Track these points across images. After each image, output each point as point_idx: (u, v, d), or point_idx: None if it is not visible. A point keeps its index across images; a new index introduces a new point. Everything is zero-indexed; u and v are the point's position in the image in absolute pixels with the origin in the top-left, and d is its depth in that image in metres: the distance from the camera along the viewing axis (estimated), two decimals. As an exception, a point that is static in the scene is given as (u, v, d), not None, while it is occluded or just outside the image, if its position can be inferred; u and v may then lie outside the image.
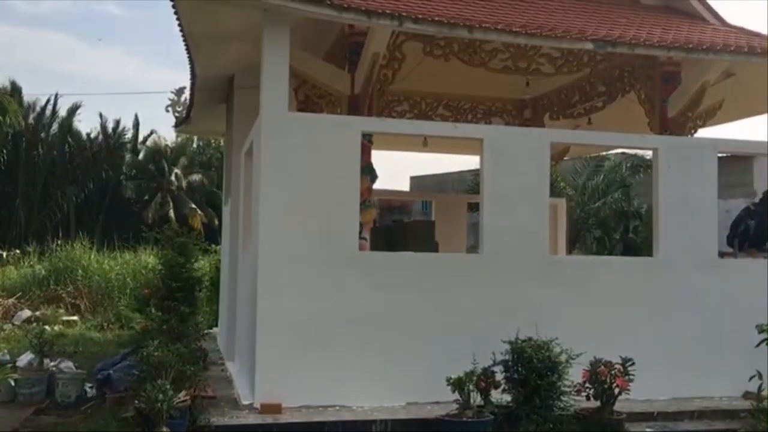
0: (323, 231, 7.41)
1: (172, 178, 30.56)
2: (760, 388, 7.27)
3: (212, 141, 29.66)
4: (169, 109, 12.54)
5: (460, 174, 21.59)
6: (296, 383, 7.10)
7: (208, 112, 11.69)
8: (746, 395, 7.71)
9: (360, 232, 8.18)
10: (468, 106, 12.57)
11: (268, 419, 6.57)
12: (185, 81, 11.92)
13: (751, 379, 7.20)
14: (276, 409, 6.79)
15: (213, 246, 17.05)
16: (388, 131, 8.09)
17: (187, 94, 11.71)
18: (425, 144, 12.64)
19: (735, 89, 9.71)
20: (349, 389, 7.25)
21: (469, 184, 18.94)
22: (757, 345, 7.17)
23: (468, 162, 17.37)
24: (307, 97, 10.03)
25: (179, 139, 31.65)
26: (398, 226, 12.35)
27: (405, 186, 23.26)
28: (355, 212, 7.55)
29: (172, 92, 12.37)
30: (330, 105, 9.06)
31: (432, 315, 7.62)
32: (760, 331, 7.23)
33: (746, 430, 6.95)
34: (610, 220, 18.41)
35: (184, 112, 12.18)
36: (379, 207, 15.93)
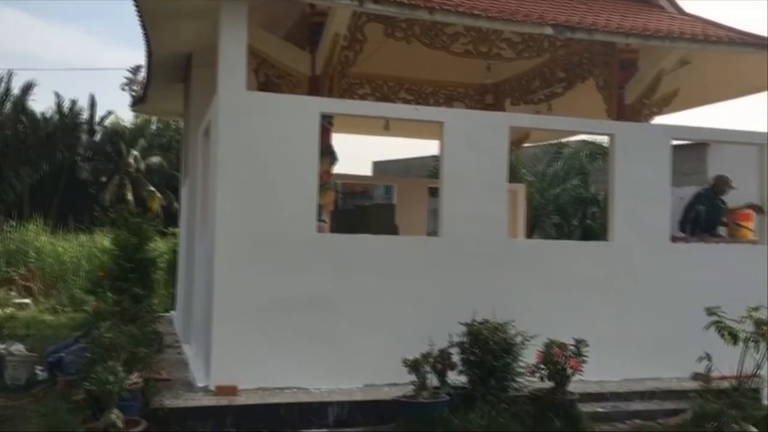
0: (281, 213, 7.34)
1: (130, 159, 29.98)
2: (708, 369, 7.47)
3: (172, 123, 29.13)
4: (125, 87, 12.32)
5: (423, 159, 21.62)
6: (252, 365, 7.06)
7: (165, 91, 11.46)
8: (695, 376, 7.91)
9: (319, 215, 8.13)
10: (430, 90, 12.57)
11: (223, 401, 6.51)
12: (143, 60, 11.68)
13: (700, 360, 7.39)
14: (231, 391, 6.74)
15: (172, 229, 16.81)
16: (348, 112, 8.04)
17: (143, 73, 11.47)
18: (387, 128, 12.63)
19: (690, 77, 9.88)
20: (307, 371, 7.23)
21: (431, 169, 18.98)
22: (706, 327, 7.36)
23: (431, 148, 17.40)
24: (268, 78, 9.89)
25: (138, 120, 31.04)
26: (358, 209, 12.29)
27: (368, 171, 23.22)
28: (313, 194, 7.50)
29: (128, 70, 12.16)
30: (290, 86, 8.95)
31: (390, 297, 7.62)
32: (709, 314, 7.42)
33: (694, 410, 7.14)
34: (568, 206, 18.64)
35: (141, 91, 11.94)
36: (342, 192, 15.87)
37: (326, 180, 8.68)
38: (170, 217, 23.14)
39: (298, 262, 7.36)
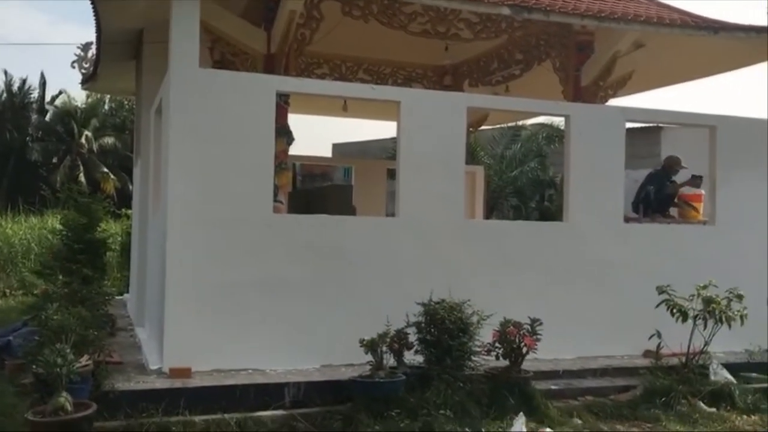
0: (236, 193, 7.22)
1: (83, 140, 29.27)
2: (658, 347, 7.66)
3: (125, 102, 28.51)
4: (76, 65, 11.96)
5: (382, 142, 21.56)
6: (207, 347, 6.96)
7: (116, 68, 11.16)
8: (646, 353, 8.09)
9: (276, 195, 8.04)
10: (388, 71, 12.52)
11: (177, 383, 6.41)
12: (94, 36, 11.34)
13: (650, 338, 7.57)
14: (185, 373, 6.64)
15: (125, 211, 16.48)
16: (304, 91, 7.92)
17: (94, 50, 11.15)
18: (345, 109, 12.53)
19: (645, 60, 10.01)
20: (263, 353, 7.16)
21: (390, 151, 18.94)
22: (657, 305, 7.53)
23: (391, 130, 17.35)
24: (223, 56, 9.70)
25: (90, 100, 30.27)
26: (315, 190, 12.19)
27: (328, 154, 23.05)
28: (269, 174, 7.39)
29: (78, 47, 11.80)
30: (245, 64, 8.80)
31: (348, 278, 7.58)
32: (660, 293, 7.59)
33: (645, 386, 7.31)
34: (526, 188, 18.83)
35: (91, 68, 11.61)
36: (301, 174, 15.73)
37: (282, 160, 8.60)
38: (125, 200, 22.67)
39: (254, 243, 7.26)
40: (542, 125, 18.73)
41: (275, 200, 7.94)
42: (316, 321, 7.39)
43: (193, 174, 7.08)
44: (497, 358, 6.87)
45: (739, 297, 7.57)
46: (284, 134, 8.58)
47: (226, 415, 5.94)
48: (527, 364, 6.99)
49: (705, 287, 7.57)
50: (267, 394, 6.48)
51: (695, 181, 9.76)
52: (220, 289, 7.09)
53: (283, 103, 8.43)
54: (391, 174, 14.51)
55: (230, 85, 7.31)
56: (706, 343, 7.59)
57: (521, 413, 5.39)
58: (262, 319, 7.22)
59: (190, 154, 7.07)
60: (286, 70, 8.61)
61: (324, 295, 7.47)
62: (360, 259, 7.65)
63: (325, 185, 11.77)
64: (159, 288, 7.43)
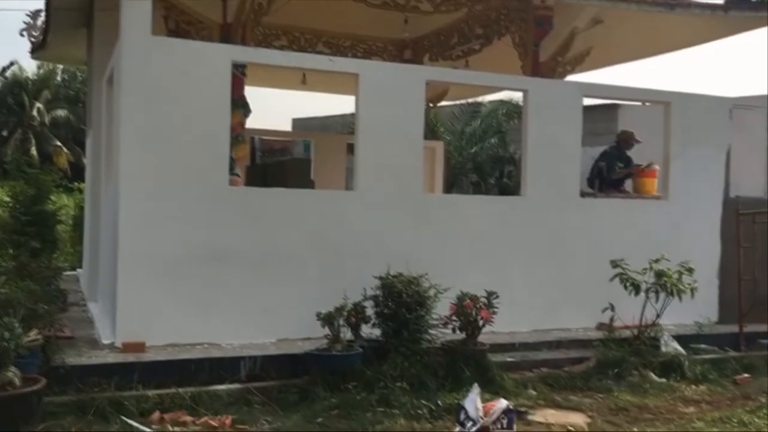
0: (190, 164, 7.06)
1: (34, 113, 28.43)
2: (612, 319, 7.81)
3: (79, 74, 27.72)
4: (24, 33, 11.55)
5: (343, 117, 21.38)
6: (162, 322, 6.84)
7: (67, 36, 10.80)
8: (600, 326, 8.24)
9: (232, 168, 7.91)
10: (348, 44, 12.39)
11: (130, 358, 6.30)
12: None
13: (604, 311, 7.72)
14: (139, 347, 6.53)
15: (78, 184, 16.09)
16: (261, 61, 7.75)
17: (43, 17, 10.77)
18: (304, 81, 12.40)
19: (603, 37, 10.07)
20: (219, 327, 7.08)
21: (351, 126, 18.79)
22: (611, 279, 7.67)
23: (352, 105, 17.24)
24: (178, 25, 9.50)
25: (42, 71, 29.36)
26: (274, 164, 12.06)
27: (289, 128, 22.80)
28: (225, 146, 7.25)
29: (27, 14, 11.38)
30: (201, 34, 8.63)
31: (305, 251, 7.52)
32: (614, 266, 7.72)
33: (598, 358, 7.46)
34: (486, 165, 18.87)
35: (41, 36, 11.22)
36: (261, 149, 15.55)
37: (239, 132, 8.45)
38: (79, 173, 22.12)
39: (209, 215, 7.14)
40: (502, 102, 18.74)
41: (232, 173, 7.80)
42: (273, 295, 7.32)
43: (146, 145, 6.91)
44: (454, 331, 6.91)
45: (690, 270, 7.75)
46: (241, 106, 8.43)
47: (181, 389, 5.87)
48: (484, 337, 7.05)
49: (657, 261, 7.72)
50: (222, 368, 6.42)
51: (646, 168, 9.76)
52: (174, 262, 6.97)
53: (240, 74, 8.26)
54: (351, 149, 14.42)
55: (184, 54, 7.12)
56: (658, 316, 7.76)
57: (476, 384, 5.43)
58: (218, 292, 7.13)
59: (143, 124, 6.89)
60: (243, 40, 8.45)
61: (281, 269, 7.40)
62: (318, 233, 7.58)
63: (283, 159, 11.65)
64: (111, 261, 7.28)
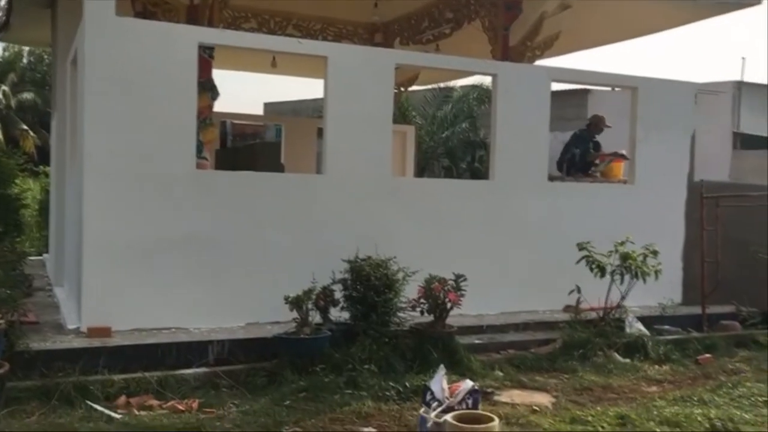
0: (156, 148, 6.99)
1: (0, 96, 27.84)
2: (578, 301, 7.91)
3: (45, 56, 27.16)
4: (-14, 13, 11.28)
5: (315, 102, 21.27)
6: (128, 306, 6.80)
7: (30, 17, 10.56)
8: (566, 308, 8.35)
9: (200, 151, 7.84)
10: (319, 27, 12.31)
11: (96, 343, 6.24)
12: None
13: (570, 293, 7.81)
14: (105, 332, 6.48)
15: (44, 168, 15.82)
16: (228, 43, 7.66)
17: (5, -3, 10.53)
18: (274, 65, 12.31)
19: (572, 22, 10.12)
20: (187, 311, 7.05)
21: (322, 111, 18.72)
22: (577, 261, 7.76)
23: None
24: (144, 7, 9.31)
25: (7, 54, 28.74)
26: (244, 148, 11.96)
27: (260, 113, 22.63)
28: (191, 129, 7.17)
29: (-11, -5, 11.12)
30: (167, 15, 8.48)
31: (274, 235, 7.50)
32: (580, 249, 7.82)
33: (564, 339, 7.56)
34: (457, 149, 18.95)
35: (4, 16, 10.96)
36: (232, 133, 15.40)
37: (207, 116, 8.37)
38: (45, 157, 21.74)
39: (176, 199, 7.08)
40: (473, 86, 18.81)
41: (200, 156, 7.74)
42: (241, 279, 7.31)
43: (111, 128, 6.82)
44: (422, 313, 6.94)
45: (654, 253, 7.87)
46: (208, 89, 8.34)
47: (147, 374, 5.84)
48: (453, 320, 7.09)
49: (622, 243, 7.83)
50: (190, 352, 6.40)
51: (621, 157, 9.88)
52: (141, 246, 6.91)
53: (207, 57, 8.17)
54: (322, 133, 14.39)
55: (149, 35, 7.01)
56: (623, 298, 7.88)
57: (442, 365, 5.47)
58: (185, 277, 7.09)
59: (107, 106, 6.80)
60: (210, 22, 8.35)
61: (250, 253, 7.38)
62: (286, 216, 7.57)
63: (253, 143, 11.54)
64: (77, 246, 7.20)
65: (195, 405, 5.46)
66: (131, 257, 6.87)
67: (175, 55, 7.02)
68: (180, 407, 5.41)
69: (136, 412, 5.31)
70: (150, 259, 6.94)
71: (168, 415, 5.28)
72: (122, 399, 5.53)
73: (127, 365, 6.01)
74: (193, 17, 8.30)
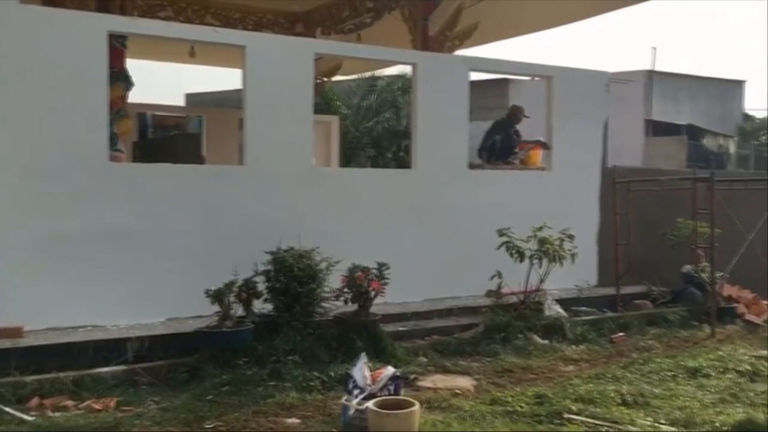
0: (67, 140, 6.75)
1: None
2: (499, 286, 8.10)
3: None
4: None
5: (238, 92, 20.91)
6: (41, 305, 6.55)
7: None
8: (488, 293, 8.52)
9: (115, 144, 7.62)
10: (238, 16, 12.14)
11: (6, 343, 5.98)
12: None
13: (492, 278, 7.98)
14: (16, 332, 6.23)
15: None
16: (139, 32, 7.43)
17: None
18: (192, 54, 12.07)
19: (490, 12, 10.31)
20: (104, 308, 6.85)
21: (244, 101, 18.43)
22: (498, 247, 7.93)
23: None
24: (53, -6, 8.98)
25: None
26: (162, 139, 11.69)
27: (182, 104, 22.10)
28: (103, 121, 6.95)
29: None
30: (75, 3, 8.19)
31: (194, 228, 7.37)
32: (500, 235, 7.99)
33: (485, 323, 7.73)
34: (383, 139, 19.05)
35: None
36: (153, 125, 15.00)
37: (121, 107, 8.15)
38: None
39: (89, 193, 6.86)
40: (398, 76, 18.94)
41: (114, 149, 7.53)
42: (161, 273, 7.15)
43: (18, 120, 6.54)
44: (346, 302, 6.96)
45: (571, 237, 8.12)
46: (122, 79, 8.12)
47: (62, 374, 5.65)
48: (377, 308, 7.14)
49: (540, 229, 8.04)
50: (107, 350, 6.23)
51: (541, 145, 10.12)
52: (53, 242, 6.67)
53: (120, 46, 7.95)
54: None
55: (55, 24, 6.75)
56: (542, 281, 8.11)
57: (363, 353, 5.52)
58: (102, 273, 6.89)
59: (13, 98, 6.51)
60: (122, 10, 8.12)
61: (169, 246, 7.23)
62: (207, 209, 7.45)
63: (172, 134, 11.29)
64: (-17, 244, 6.87)
65: (112, 404, 5.33)
66: (43, 253, 6.63)
67: (85, 44, 6.78)
68: (96, 407, 5.27)
69: (50, 414, 5.15)
70: (64, 255, 6.71)
71: (84, 415, 5.14)
72: (35, 400, 5.35)
73: (40, 366, 5.80)
74: (103, 5, 8.05)
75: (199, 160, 9.44)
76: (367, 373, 5.09)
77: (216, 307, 6.53)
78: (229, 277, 6.58)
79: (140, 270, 7.07)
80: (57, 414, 5.16)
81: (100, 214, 6.90)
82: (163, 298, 7.12)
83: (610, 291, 9.38)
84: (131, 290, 7.01)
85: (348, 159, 17.43)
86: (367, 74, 18.89)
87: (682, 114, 23.29)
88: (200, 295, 6.50)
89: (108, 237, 6.93)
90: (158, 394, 5.63)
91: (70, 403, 5.36)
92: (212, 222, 7.46)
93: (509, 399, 5.59)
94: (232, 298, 6.56)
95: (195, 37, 7.98)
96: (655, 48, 56.19)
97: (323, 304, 6.91)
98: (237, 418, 5.13)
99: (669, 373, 6.45)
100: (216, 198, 7.52)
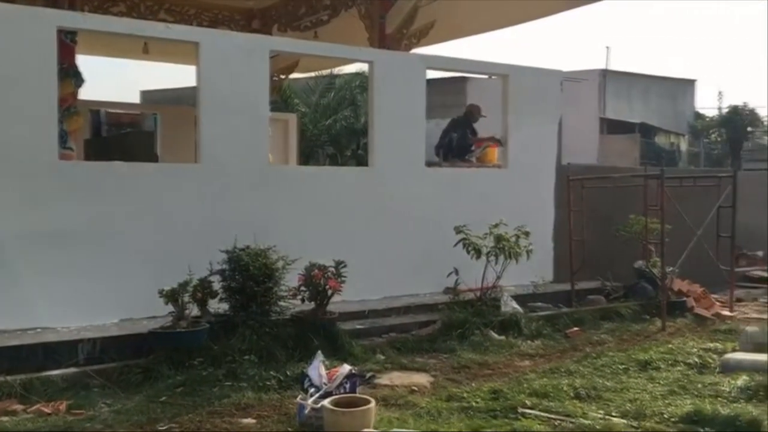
0: (14, 138, 6.57)
1: None
2: (456, 283, 8.15)
3: None
4: None
5: (195, 90, 20.71)
6: (-12, 308, 6.38)
7: None
8: (446, 290, 8.57)
9: (65, 142, 7.46)
10: (193, 12, 11.98)
11: (-49, 348, 5.84)
12: None
13: (449, 275, 8.03)
14: (-39, 336, 6.06)
15: None
16: (89, 28, 7.27)
17: None
18: (146, 51, 11.85)
19: (446, 11, 10.37)
20: (54, 310, 6.69)
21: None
22: (455, 244, 7.99)
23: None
24: (-1, -12, 8.73)
25: None
26: (115, 137, 11.44)
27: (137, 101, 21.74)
28: (52, 118, 6.78)
29: None
30: (25, -2, 7.99)
31: (148, 227, 7.25)
32: (457, 232, 8.05)
33: (443, 320, 7.78)
34: (341, 137, 19.04)
35: None
36: (107, 122, 14.69)
37: (71, 103, 7.99)
38: None
39: (37, 192, 6.69)
40: (356, 74, 18.93)
41: (64, 147, 7.38)
42: (114, 274, 7.02)
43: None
44: (303, 301, 6.94)
45: (526, 234, 8.22)
46: (72, 75, 7.96)
47: (9, 378, 5.51)
48: (335, 306, 7.12)
49: (496, 226, 8.12)
50: (58, 352, 6.09)
51: (497, 142, 10.22)
52: (0, 243, 6.48)
53: (70, 42, 7.78)
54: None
55: (2, 19, 6.56)
56: (498, 278, 8.20)
57: (319, 352, 5.51)
58: (51, 274, 6.73)
59: (-44, 95, 6.32)
60: (72, 5, 7.94)
61: (122, 246, 7.10)
62: (160, 207, 7.33)
63: (125, 132, 11.07)
64: (-73, 246, 6.65)
65: (63, 407, 5.21)
66: (-11, 255, 6.44)
67: (33, 39, 6.61)
68: (46, 410, 5.14)
69: (-2, 419, 5.01)
70: (10, 256, 6.54)
71: (33, 419, 5.02)
72: (-19, 406, 5.20)
73: (-13, 370, 5.64)
74: (52, 1, 7.85)
75: (152, 158, 9.28)
76: (323, 372, 5.08)
77: (170, 308, 6.44)
78: (184, 277, 6.49)
79: (92, 270, 6.93)
80: (5, 419, 5.02)
81: (49, 214, 6.74)
82: (116, 298, 6.99)
83: (565, 287, 9.52)
84: (83, 291, 6.86)
85: (307, 157, 17.36)
86: (326, 72, 18.84)
87: (635, 112, 23.80)
88: (154, 296, 6.41)
89: (58, 237, 6.77)
90: (111, 397, 5.53)
91: (19, 407, 5.22)
92: (166, 221, 7.35)
93: (465, 395, 5.63)
94: (187, 298, 6.47)
95: (147, 33, 7.85)
96: (608, 47, 57.22)
97: (280, 303, 6.87)
98: (191, 419, 5.07)
99: (621, 367, 6.58)
100: (170, 197, 7.42)
